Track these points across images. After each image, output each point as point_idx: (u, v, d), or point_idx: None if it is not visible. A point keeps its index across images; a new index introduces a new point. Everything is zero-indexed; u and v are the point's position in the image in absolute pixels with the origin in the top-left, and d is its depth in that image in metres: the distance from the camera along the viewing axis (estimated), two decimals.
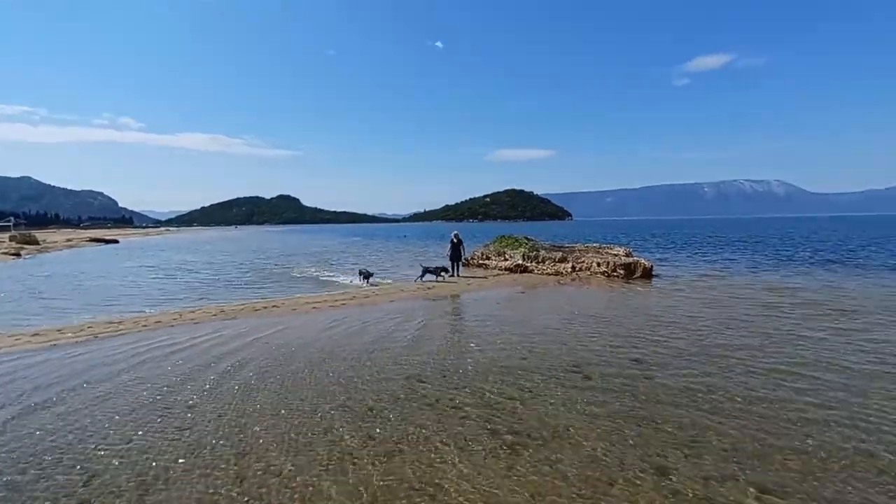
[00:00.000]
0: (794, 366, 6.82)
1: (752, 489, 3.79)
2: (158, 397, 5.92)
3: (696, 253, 28.24)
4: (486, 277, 18.27)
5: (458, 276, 18.35)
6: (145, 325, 10.32)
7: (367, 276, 17.63)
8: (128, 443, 4.69)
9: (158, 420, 5.22)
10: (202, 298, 14.82)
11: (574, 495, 3.75)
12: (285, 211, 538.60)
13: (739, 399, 5.63)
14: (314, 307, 12.32)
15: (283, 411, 5.44)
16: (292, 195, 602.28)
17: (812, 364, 6.89)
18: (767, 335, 8.61)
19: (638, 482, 3.91)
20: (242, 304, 13.08)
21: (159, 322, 10.68)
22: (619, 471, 4.09)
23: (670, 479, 3.95)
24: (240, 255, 35.72)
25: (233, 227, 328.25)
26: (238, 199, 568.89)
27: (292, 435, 4.83)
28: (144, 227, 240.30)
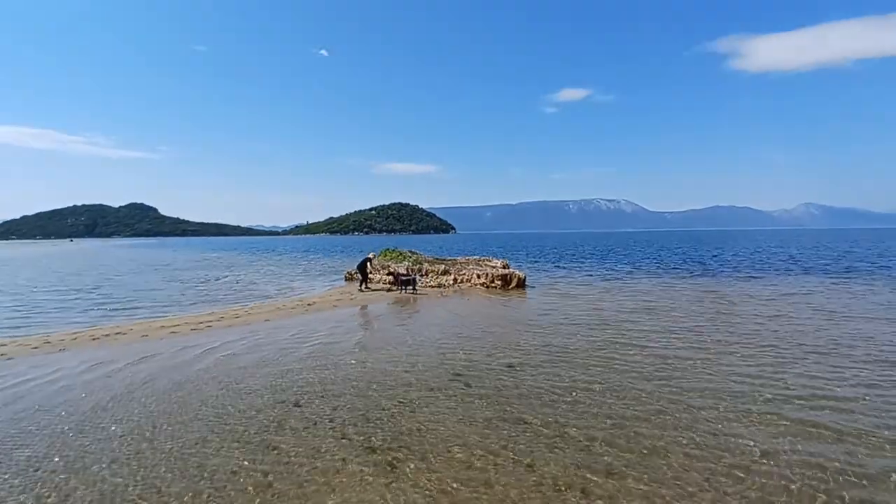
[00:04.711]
0: (630, 371, 7.95)
1: (600, 475, 4.29)
2: None
3: (563, 265, 31.30)
4: (370, 290, 18.08)
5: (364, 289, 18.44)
6: None
7: (408, 282, 17.93)
8: None
9: None
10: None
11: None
12: (139, 221, 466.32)
13: (593, 397, 6.34)
14: (171, 332, 10.88)
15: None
16: (148, 204, 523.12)
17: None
18: (607, 341, 9.89)
19: (511, 481, 4.16)
20: (75, 333, 11.01)
21: None
22: (494, 473, 4.30)
23: (534, 472, 4.28)
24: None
25: (67, 239, 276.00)
26: (76, 206, 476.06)
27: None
28: None
